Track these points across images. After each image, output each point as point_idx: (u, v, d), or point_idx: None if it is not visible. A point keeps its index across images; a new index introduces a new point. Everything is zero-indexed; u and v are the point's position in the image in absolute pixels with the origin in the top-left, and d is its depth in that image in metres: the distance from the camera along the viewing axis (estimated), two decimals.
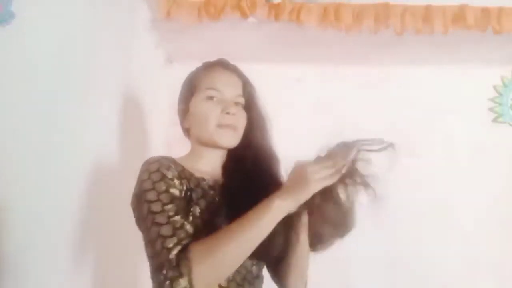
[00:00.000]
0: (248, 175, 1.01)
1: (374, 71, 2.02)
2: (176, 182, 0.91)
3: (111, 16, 1.38)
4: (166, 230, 0.83)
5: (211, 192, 0.98)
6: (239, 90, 1.05)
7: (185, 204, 0.91)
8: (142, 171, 0.94)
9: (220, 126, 1.00)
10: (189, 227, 0.85)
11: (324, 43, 1.83)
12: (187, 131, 1.10)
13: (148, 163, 0.95)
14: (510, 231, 1.91)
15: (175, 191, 0.89)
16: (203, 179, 0.99)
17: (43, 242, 1.00)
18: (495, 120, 2.04)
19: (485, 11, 1.66)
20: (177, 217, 0.85)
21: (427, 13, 1.66)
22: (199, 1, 1.65)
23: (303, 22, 1.65)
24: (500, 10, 1.65)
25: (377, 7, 1.67)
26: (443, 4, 1.67)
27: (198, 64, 1.18)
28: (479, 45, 1.80)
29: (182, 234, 0.82)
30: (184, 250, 0.80)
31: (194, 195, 0.94)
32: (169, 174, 0.91)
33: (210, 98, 1.02)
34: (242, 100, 1.05)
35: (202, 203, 0.94)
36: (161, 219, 0.84)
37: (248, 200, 0.89)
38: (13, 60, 0.89)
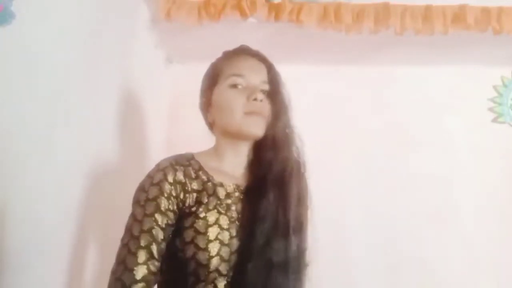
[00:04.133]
0: (268, 168, 0.94)
1: (374, 71, 2.02)
2: (171, 202, 0.87)
3: (111, 16, 1.38)
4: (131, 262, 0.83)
5: (227, 201, 0.92)
6: (264, 76, 0.99)
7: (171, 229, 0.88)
8: (147, 176, 0.92)
9: (248, 114, 0.94)
10: (153, 267, 0.83)
11: (324, 43, 1.83)
12: (211, 125, 1.05)
13: (154, 170, 0.92)
14: (510, 231, 1.90)
15: (163, 218, 0.86)
16: (221, 185, 0.94)
17: (43, 243, 1.00)
18: (495, 120, 2.04)
19: (485, 11, 1.65)
20: (150, 246, 0.84)
21: (427, 13, 1.66)
22: (199, 1, 1.65)
23: (303, 22, 1.65)
24: (500, 10, 1.65)
25: (377, 7, 1.67)
26: (443, 4, 1.66)
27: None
28: (479, 45, 1.80)
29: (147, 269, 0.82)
30: None
31: (202, 208, 0.89)
32: (164, 204, 0.87)
33: (234, 85, 0.96)
34: (267, 86, 0.98)
35: (212, 216, 0.89)
36: (132, 245, 0.84)
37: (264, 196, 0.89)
38: (13, 60, 0.88)
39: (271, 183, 0.92)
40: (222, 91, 0.98)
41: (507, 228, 1.90)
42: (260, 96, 0.95)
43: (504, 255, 1.88)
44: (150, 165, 0.97)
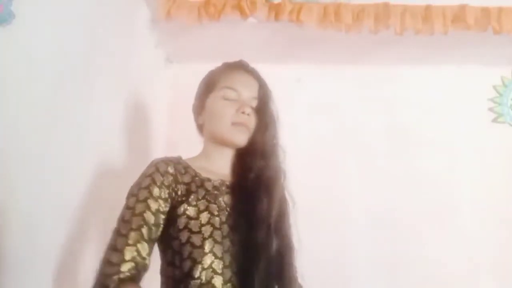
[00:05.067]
0: (256, 174, 1.01)
1: (374, 71, 2.02)
2: (163, 191, 0.93)
3: (111, 16, 1.38)
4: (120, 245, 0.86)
5: (215, 192, 0.99)
6: (254, 93, 1.08)
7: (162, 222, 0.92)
8: (141, 173, 0.97)
9: (234, 124, 1.03)
10: (143, 250, 0.87)
11: (324, 43, 1.83)
12: (200, 128, 1.14)
13: (147, 167, 0.98)
14: (510, 231, 1.91)
15: (154, 204, 0.91)
16: (208, 180, 1.01)
17: (45, 242, 1.00)
18: (495, 120, 2.04)
19: (485, 11, 1.66)
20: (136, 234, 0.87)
21: (427, 13, 1.66)
22: (199, 1, 1.65)
23: (303, 22, 1.65)
24: (500, 10, 1.65)
25: (377, 7, 1.67)
26: (443, 4, 1.67)
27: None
28: (479, 45, 1.80)
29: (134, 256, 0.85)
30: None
31: (192, 196, 0.95)
32: (156, 192, 0.92)
33: (228, 97, 1.05)
34: (255, 102, 1.07)
35: (202, 204, 0.95)
36: (124, 229, 0.88)
37: (254, 199, 0.95)
38: (14, 60, 0.89)
39: (264, 188, 0.99)
40: (215, 100, 1.07)
41: (507, 227, 1.90)
42: (248, 110, 1.04)
43: (504, 254, 1.88)
44: None
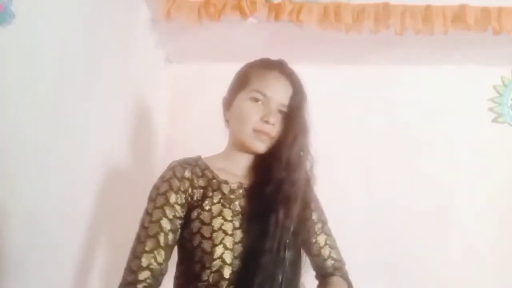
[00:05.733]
0: (276, 186, 0.97)
1: (374, 71, 2.02)
2: (179, 196, 0.93)
3: (111, 16, 1.38)
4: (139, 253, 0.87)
5: (231, 196, 0.97)
6: (286, 99, 1.03)
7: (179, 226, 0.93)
8: (160, 176, 0.97)
9: (256, 131, 1.00)
10: (159, 256, 0.88)
11: (324, 43, 1.83)
12: (227, 123, 1.10)
13: (165, 170, 0.98)
14: (510, 230, 1.91)
15: (171, 211, 0.92)
16: (226, 182, 0.99)
17: (46, 242, 1.00)
18: (495, 120, 2.04)
19: (485, 11, 1.66)
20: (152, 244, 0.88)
21: (427, 13, 1.66)
22: (199, 1, 1.65)
23: (303, 22, 1.65)
24: (500, 10, 1.65)
25: (377, 7, 1.67)
26: (443, 4, 1.67)
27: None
28: (479, 45, 1.80)
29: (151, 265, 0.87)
30: None
31: (207, 201, 0.95)
32: (173, 198, 0.93)
33: (256, 100, 1.01)
34: (285, 109, 1.02)
35: (217, 208, 0.94)
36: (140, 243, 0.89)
37: (270, 210, 0.93)
38: (14, 60, 0.89)
39: (282, 201, 0.96)
40: (243, 101, 1.03)
41: (507, 227, 1.90)
42: (272, 120, 0.99)
43: (504, 254, 1.88)
44: (150, 164, 0.98)
